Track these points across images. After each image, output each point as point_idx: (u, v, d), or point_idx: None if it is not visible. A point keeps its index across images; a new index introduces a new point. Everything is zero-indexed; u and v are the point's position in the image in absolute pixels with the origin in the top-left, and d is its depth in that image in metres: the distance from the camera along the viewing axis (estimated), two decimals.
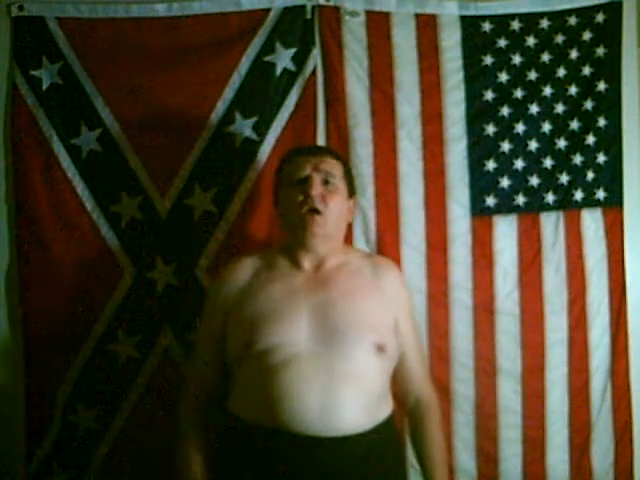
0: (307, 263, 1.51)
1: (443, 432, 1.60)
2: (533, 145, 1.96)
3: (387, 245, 1.89)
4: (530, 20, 1.96)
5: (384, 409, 1.45)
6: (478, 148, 1.94)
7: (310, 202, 1.46)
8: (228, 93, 1.85)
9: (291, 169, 1.53)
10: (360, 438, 1.37)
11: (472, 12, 1.93)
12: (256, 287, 1.50)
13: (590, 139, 1.97)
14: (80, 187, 1.85)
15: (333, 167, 1.52)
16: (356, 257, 1.59)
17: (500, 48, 1.95)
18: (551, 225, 1.96)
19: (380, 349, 1.42)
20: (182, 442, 1.52)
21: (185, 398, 1.57)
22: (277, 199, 1.59)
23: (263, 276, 1.52)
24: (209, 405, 1.55)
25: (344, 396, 1.35)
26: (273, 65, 1.87)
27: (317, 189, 1.47)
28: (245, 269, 1.55)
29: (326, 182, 1.50)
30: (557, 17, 1.96)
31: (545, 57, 1.96)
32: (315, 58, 1.89)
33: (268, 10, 1.87)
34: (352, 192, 1.60)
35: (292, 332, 1.40)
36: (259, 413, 1.38)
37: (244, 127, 1.86)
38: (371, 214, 1.89)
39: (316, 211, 1.46)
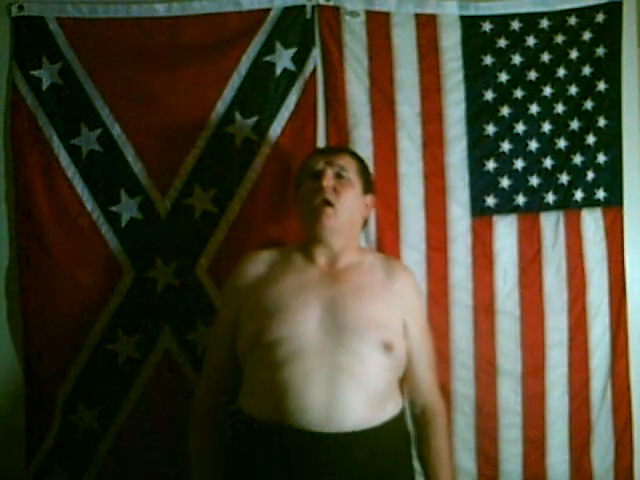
0: (322, 258, 1.52)
1: (449, 442, 1.58)
2: (533, 145, 1.96)
3: (387, 245, 1.89)
4: (530, 20, 1.96)
5: (392, 406, 1.44)
6: (478, 148, 1.94)
7: (322, 193, 1.49)
8: (228, 93, 1.85)
9: (307, 164, 1.58)
10: (366, 434, 1.36)
11: (472, 12, 1.94)
12: (269, 280, 1.51)
13: (590, 139, 1.97)
14: (80, 187, 1.84)
15: (347, 162, 1.56)
16: (371, 258, 1.60)
17: (500, 48, 1.95)
18: (551, 225, 1.96)
19: (387, 347, 1.42)
20: (198, 445, 1.51)
21: (198, 397, 1.56)
22: (296, 194, 1.63)
23: (277, 269, 1.53)
24: (222, 403, 1.55)
25: (347, 392, 1.35)
26: (273, 65, 1.87)
27: (329, 181, 1.50)
28: (261, 262, 1.56)
29: (340, 176, 1.52)
30: (557, 17, 1.96)
31: (545, 57, 1.96)
32: (315, 58, 1.89)
33: (268, 10, 1.87)
34: (368, 189, 1.61)
35: (301, 325, 1.41)
36: (265, 408, 1.38)
37: (244, 127, 1.86)
38: (371, 214, 1.89)
39: (328, 203, 1.48)
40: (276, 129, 1.87)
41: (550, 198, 1.96)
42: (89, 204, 1.85)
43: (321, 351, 1.38)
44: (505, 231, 1.94)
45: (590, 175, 1.98)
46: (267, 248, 1.62)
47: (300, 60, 1.88)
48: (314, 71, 1.88)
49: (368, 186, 1.61)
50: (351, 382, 1.36)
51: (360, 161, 1.62)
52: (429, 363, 1.58)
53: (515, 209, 1.95)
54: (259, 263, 1.56)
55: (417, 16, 1.92)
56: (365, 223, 1.70)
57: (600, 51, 1.97)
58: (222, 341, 1.54)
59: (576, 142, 1.97)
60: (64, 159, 1.84)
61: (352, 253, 1.55)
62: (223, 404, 1.55)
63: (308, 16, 1.88)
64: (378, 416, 1.39)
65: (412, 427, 1.57)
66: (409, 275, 1.62)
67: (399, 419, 1.46)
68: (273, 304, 1.45)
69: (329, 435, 1.34)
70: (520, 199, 1.95)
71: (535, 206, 1.96)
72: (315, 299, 1.45)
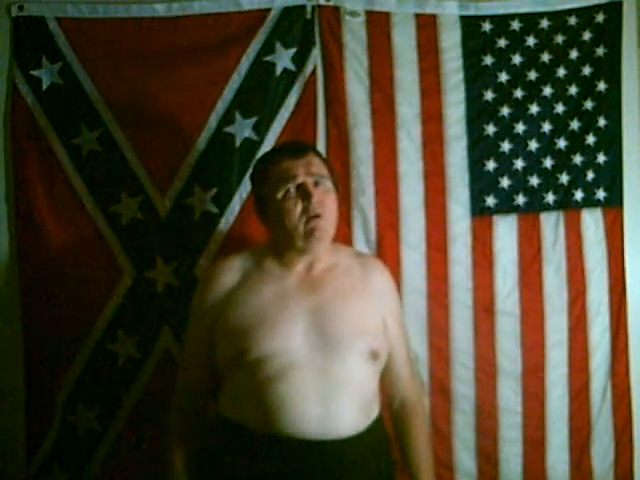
0: (299, 265, 1.47)
1: (428, 433, 1.60)
2: (533, 145, 1.96)
3: (387, 245, 1.89)
4: (530, 20, 1.96)
5: (375, 408, 1.45)
6: (478, 148, 1.94)
7: (312, 209, 1.41)
8: (228, 93, 1.86)
9: (282, 176, 1.44)
10: (357, 439, 1.37)
11: (472, 12, 1.94)
12: (246, 290, 1.45)
13: (590, 139, 1.97)
14: (80, 187, 1.84)
15: (321, 168, 1.47)
16: (345, 257, 1.55)
17: (500, 48, 1.95)
18: (551, 225, 1.96)
19: (374, 355, 1.41)
20: (170, 455, 1.48)
21: (174, 408, 1.53)
22: (265, 208, 1.49)
23: (252, 278, 1.47)
24: (199, 412, 1.52)
25: (342, 403, 1.35)
26: (273, 65, 1.87)
27: (317, 195, 1.42)
28: (233, 270, 1.49)
29: (316, 183, 1.44)
30: (557, 17, 1.96)
31: (545, 57, 1.96)
32: (315, 58, 1.89)
33: (268, 10, 1.87)
34: (336, 187, 1.51)
35: (287, 339, 1.37)
36: (255, 419, 1.36)
37: (244, 127, 1.86)
38: (371, 214, 1.89)
39: (318, 216, 1.42)
40: (276, 129, 1.87)
41: (550, 198, 1.96)
42: (89, 204, 1.85)
43: (311, 365, 1.36)
44: (505, 231, 1.95)
45: (590, 175, 1.98)
46: (235, 253, 1.54)
47: (300, 60, 1.88)
48: (314, 71, 1.88)
49: (336, 184, 1.51)
50: (343, 394, 1.36)
51: (324, 159, 1.53)
52: (406, 356, 1.58)
53: (515, 209, 1.95)
54: (232, 272, 1.48)
55: (417, 16, 1.92)
56: None
57: (600, 51, 1.98)
58: (198, 358, 1.49)
59: (576, 142, 1.97)
60: (64, 159, 1.84)
61: (328, 254, 1.49)
62: (200, 415, 1.51)
63: (308, 16, 1.88)
64: (367, 419, 1.40)
65: (392, 421, 1.57)
66: (383, 270, 1.58)
67: (380, 419, 1.47)
68: (254, 318, 1.40)
69: (325, 442, 1.34)
70: (520, 199, 1.95)
71: (535, 206, 1.96)
72: (298, 310, 1.41)
